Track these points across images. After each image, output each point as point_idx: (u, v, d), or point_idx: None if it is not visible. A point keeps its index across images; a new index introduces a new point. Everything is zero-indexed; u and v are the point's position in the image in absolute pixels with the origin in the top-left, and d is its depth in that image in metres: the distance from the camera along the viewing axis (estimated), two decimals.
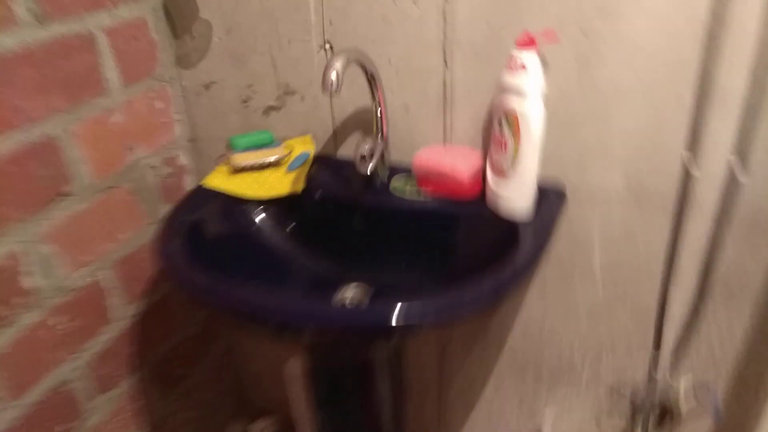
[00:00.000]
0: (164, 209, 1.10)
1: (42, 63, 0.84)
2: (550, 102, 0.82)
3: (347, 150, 1.05)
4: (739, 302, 0.92)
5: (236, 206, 0.97)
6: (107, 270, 1.00)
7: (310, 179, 0.99)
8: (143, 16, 1.00)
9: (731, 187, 0.84)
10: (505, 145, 0.84)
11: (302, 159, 1.02)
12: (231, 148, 1.02)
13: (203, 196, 0.97)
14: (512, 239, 0.83)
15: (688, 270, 0.92)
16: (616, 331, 1.02)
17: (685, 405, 1.00)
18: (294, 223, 0.99)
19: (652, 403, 1.05)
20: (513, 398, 1.19)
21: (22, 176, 0.84)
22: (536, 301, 1.05)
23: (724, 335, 0.96)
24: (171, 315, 1.18)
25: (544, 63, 0.82)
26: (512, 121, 0.82)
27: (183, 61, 1.08)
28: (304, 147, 1.04)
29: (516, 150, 0.83)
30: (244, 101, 1.08)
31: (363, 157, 0.89)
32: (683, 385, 1.00)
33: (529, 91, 0.80)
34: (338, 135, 1.05)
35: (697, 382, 1.00)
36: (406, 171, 0.98)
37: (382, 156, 0.94)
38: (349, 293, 0.93)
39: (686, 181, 0.86)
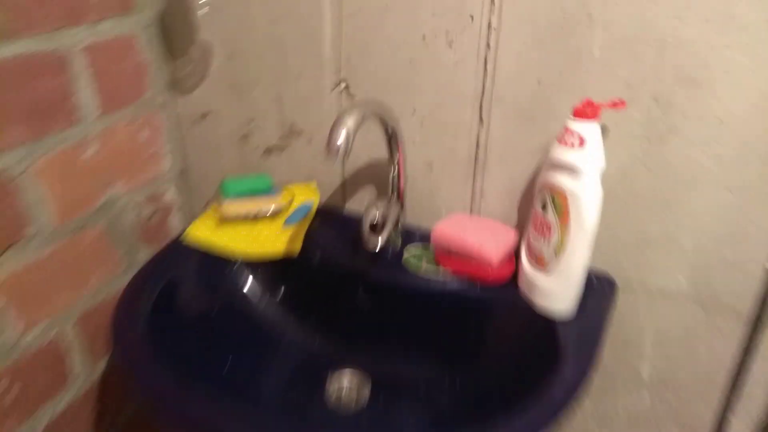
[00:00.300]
0: (144, 253, 0.96)
1: (1, 86, 0.70)
2: (607, 179, 0.66)
3: (357, 204, 0.90)
4: None
5: (220, 268, 0.82)
6: (69, 325, 0.86)
7: (309, 238, 0.84)
8: (132, 33, 0.85)
9: None
10: (549, 230, 0.68)
11: (303, 212, 0.87)
12: (223, 193, 0.88)
13: (183, 252, 0.83)
14: (549, 344, 0.67)
15: (757, 392, 0.76)
16: None
17: None
18: (286, 291, 0.85)
19: None
20: None
21: None
22: None
23: None
24: None
25: (605, 132, 0.66)
26: (560, 203, 0.66)
27: (178, 86, 0.93)
28: (307, 196, 0.89)
29: (562, 239, 0.67)
30: (244, 137, 0.93)
31: (373, 228, 0.74)
32: None
33: (586, 171, 0.64)
34: (348, 186, 0.90)
35: None
36: (424, 239, 0.83)
37: (397, 224, 0.79)
38: (344, 383, 0.78)
39: None
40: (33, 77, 0.74)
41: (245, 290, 0.83)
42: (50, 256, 0.81)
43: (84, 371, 0.90)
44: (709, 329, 0.75)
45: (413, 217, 0.86)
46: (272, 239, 0.83)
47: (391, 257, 0.81)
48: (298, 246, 0.82)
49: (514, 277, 0.76)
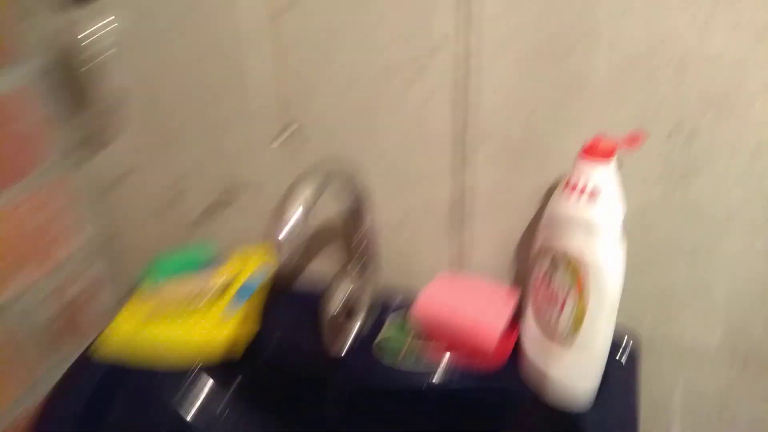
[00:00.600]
0: (55, 359, 0.77)
1: None
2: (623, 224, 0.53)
3: (321, 265, 0.75)
4: None
5: (147, 379, 0.65)
6: None
7: (259, 327, 0.68)
8: (17, 90, 0.68)
9: None
10: (561, 300, 0.55)
11: (251, 288, 0.71)
12: (152, 275, 0.72)
13: (95, 367, 0.66)
14: None
15: None
16: None
17: None
18: (231, 399, 0.68)
19: None
20: None
21: None
22: None
23: None
24: None
25: (619, 171, 0.53)
26: (574, 268, 0.53)
27: (89, 144, 0.77)
28: (258, 264, 0.74)
29: (580, 310, 0.54)
30: (176, 196, 0.77)
31: (333, 324, 0.60)
32: None
33: (603, 227, 0.51)
34: (310, 246, 0.75)
35: None
36: (402, 308, 0.68)
37: (367, 307, 0.64)
38: None
39: None
40: None
41: (181, 407, 0.66)
42: None
43: None
44: (747, 388, 0.64)
45: (388, 281, 0.71)
46: (213, 332, 0.67)
47: (362, 343, 0.66)
48: (243, 341, 0.67)
49: (512, 362, 0.62)
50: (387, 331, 0.67)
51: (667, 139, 0.53)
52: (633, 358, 0.62)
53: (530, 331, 0.60)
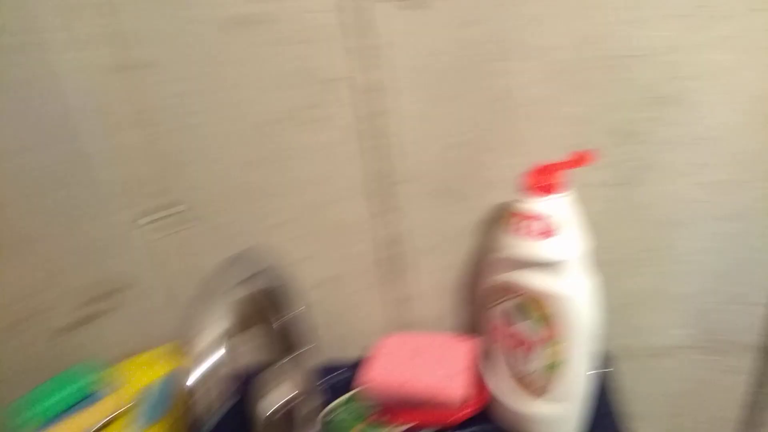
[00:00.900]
0: None
1: None
2: None
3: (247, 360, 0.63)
4: None
5: None
6: None
7: None
8: None
9: None
10: (530, 344, 0.48)
11: (157, 408, 0.57)
12: (23, 427, 0.55)
13: None
14: None
15: None
16: None
17: None
18: None
19: None
20: None
21: None
22: None
23: None
24: None
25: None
26: (541, 311, 0.46)
27: None
28: (159, 373, 0.60)
29: (555, 353, 0.47)
30: (26, 318, 0.60)
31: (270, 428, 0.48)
32: None
33: (566, 261, 0.44)
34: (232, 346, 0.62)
35: None
36: (346, 383, 0.59)
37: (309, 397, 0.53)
38: None
39: None
40: None
41: None
42: None
43: None
44: (718, 372, 0.62)
45: (325, 355, 0.61)
46: None
47: None
48: None
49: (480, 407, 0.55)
50: (336, 413, 0.56)
51: (612, 144, 0.48)
52: (611, 378, 0.58)
53: (501, 380, 0.53)
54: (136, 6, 0.45)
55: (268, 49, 0.45)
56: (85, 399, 0.58)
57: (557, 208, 0.43)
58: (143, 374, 0.60)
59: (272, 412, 0.51)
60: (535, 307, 0.46)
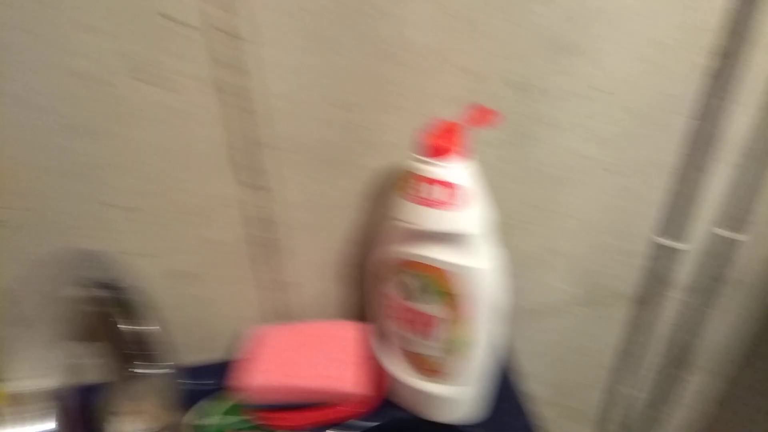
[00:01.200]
0: None
1: None
2: None
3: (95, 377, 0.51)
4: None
5: None
6: None
7: None
8: None
9: (715, 256, 0.59)
10: (431, 324, 0.43)
11: None
12: None
13: None
14: None
15: (642, 354, 0.68)
16: None
17: None
18: None
19: None
20: None
21: None
22: None
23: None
24: None
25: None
26: (445, 288, 0.41)
27: None
28: None
29: (459, 332, 0.43)
30: None
31: None
32: None
33: (475, 233, 0.39)
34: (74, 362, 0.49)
35: None
36: (216, 385, 0.50)
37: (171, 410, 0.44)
38: None
39: (662, 262, 0.58)
40: None
41: None
42: None
43: None
44: (597, 322, 0.63)
45: (192, 357, 0.51)
46: None
47: None
48: None
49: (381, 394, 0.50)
50: (209, 422, 0.48)
51: (505, 98, 0.43)
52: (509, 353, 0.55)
53: (400, 364, 0.48)
54: None
55: None
56: None
57: (460, 172, 0.38)
58: None
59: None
60: (437, 284, 0.41)
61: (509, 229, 0.51)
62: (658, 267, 0.57)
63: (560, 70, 0.42)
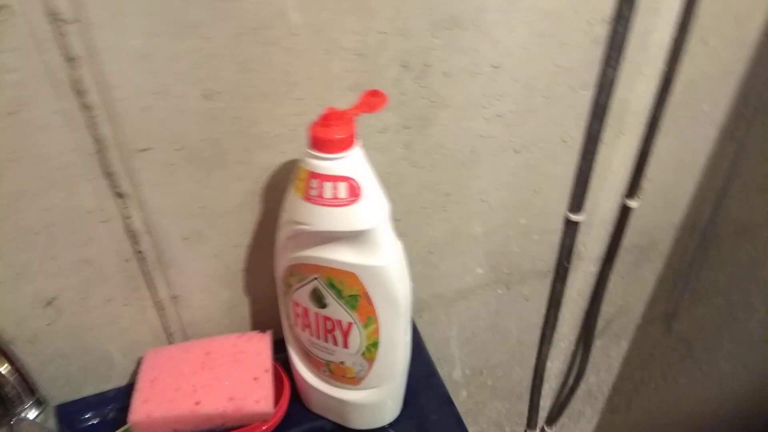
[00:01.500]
0: None
1: None
2: None
3: None
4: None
5: None
6: None
7: None
8: None
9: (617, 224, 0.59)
10: (338, 329, 0.40)
11: None
12: None
13: None
14: None
15: (565, 330, 0.68)
16: None
17: None
18: None
19: None
20: None
21: None
22: None
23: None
24: None
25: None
26: (348, 287, 0.37)
27: None
28: None
29: (370, 336, 0.40)
30: None
31: None
32: None
33: (372, 228, 0.36)
34: None
35: None
36: (104, 422, 0.44)
37: None
38: None
39: (568, 235, 0.57)
40: None
41: None
42: None
43: None
44: (515, 301, 0.62)
45: (86, 386, 0.45)
46: None
47: None
48: None
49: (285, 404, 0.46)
50: None
51: (396, 80, 0.40)
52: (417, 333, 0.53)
53: (311, 373, 0.44)
54: None
55: None
56: None
57: (355, 165, 0.34)
58: None
59: None
60: (341, 286, 0.37)
61: (419, 218, 0.49)
62: (569, 241, 0.57)
63: (454, 47, 0.39)
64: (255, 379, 0.44)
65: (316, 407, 0.46)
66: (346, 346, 0.40)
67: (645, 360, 0.82)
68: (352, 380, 0.42)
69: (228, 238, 0.42)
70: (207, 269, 0.43)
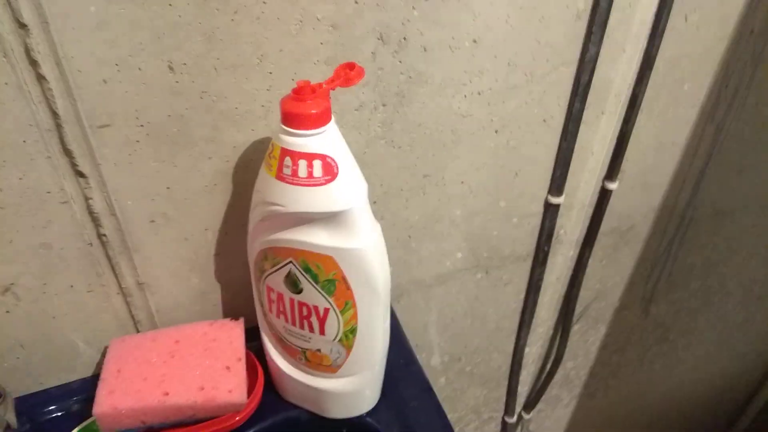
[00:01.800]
0: None
1: None
2: None
3: None
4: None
5: None
6: None
7: None
8: None
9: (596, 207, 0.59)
10: (315, 315, 0.38)
11: None
12: None
13: None
14: None
15: (543, 315, 0.68)
16: None
17: None
18: None
19: None
20: None
21: None
22: None
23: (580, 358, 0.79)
24: None
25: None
26: (324, 271, 0.36)
27: None
28: None
29: (348, 321, 0.38)
30: None
31: None
32: None
33: (350, 208, 0.34)
34: None
35: None
36: (68, 414, 0.42)
37: None
38: None
39: (548, 219, 0.56)
40: None
41: None
42: None
43: None
44: (494, 286, 0.61)
45: (50, 378, 0.43)
46: None
47: None
48: None
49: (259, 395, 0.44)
50: None
51: (371, 54, 0.38)
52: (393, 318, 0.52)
53: (286, 361, 0.43)
54: None
55: None
56: None
57: (330, 141, 0.33)
58: None
59: None
60: (318, 270, 0.36)
61: (397, 201, 0.47)
62: (549, 225, 0.56)
63: (432, 19, 0.38)
64: (227, 368, 0.42)
65: (292, 396, 0.45)
66: (322, 332, 0.39)
67: (622, 344, 0.83)
68: (329, 368, 0.41)
69: (197, 221, 0.40)
70: (176, 254, 0.41)
